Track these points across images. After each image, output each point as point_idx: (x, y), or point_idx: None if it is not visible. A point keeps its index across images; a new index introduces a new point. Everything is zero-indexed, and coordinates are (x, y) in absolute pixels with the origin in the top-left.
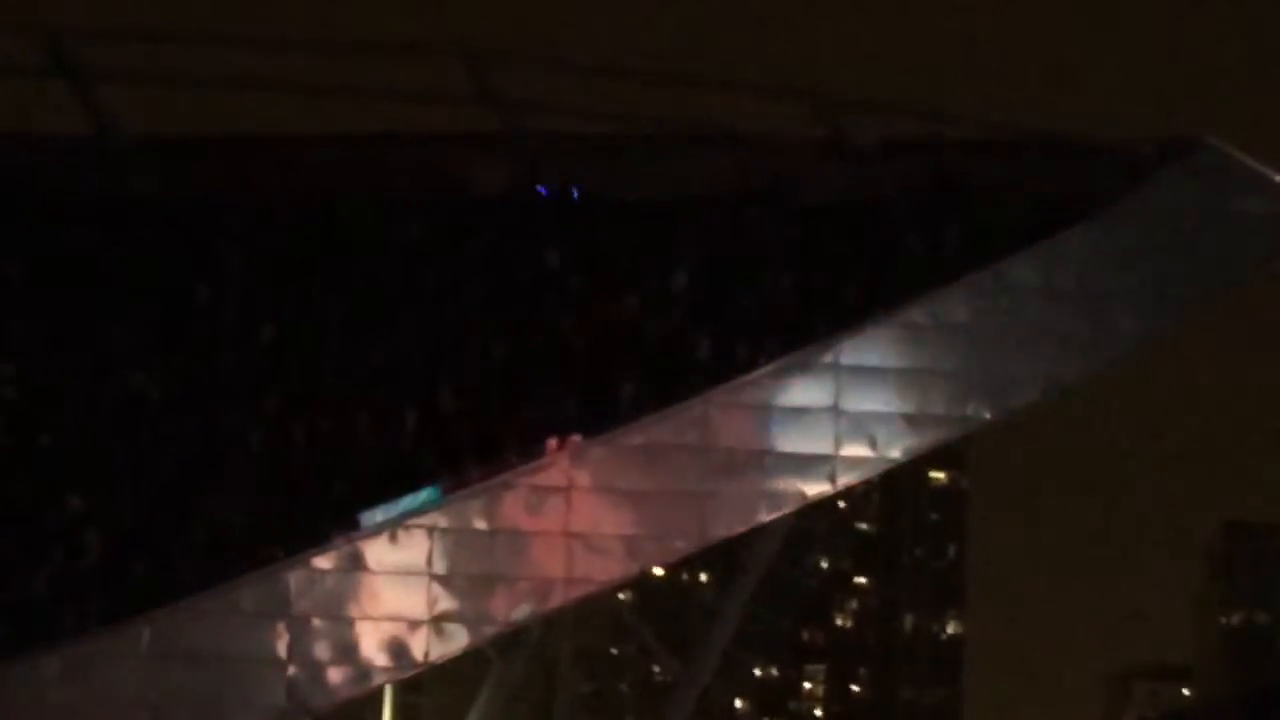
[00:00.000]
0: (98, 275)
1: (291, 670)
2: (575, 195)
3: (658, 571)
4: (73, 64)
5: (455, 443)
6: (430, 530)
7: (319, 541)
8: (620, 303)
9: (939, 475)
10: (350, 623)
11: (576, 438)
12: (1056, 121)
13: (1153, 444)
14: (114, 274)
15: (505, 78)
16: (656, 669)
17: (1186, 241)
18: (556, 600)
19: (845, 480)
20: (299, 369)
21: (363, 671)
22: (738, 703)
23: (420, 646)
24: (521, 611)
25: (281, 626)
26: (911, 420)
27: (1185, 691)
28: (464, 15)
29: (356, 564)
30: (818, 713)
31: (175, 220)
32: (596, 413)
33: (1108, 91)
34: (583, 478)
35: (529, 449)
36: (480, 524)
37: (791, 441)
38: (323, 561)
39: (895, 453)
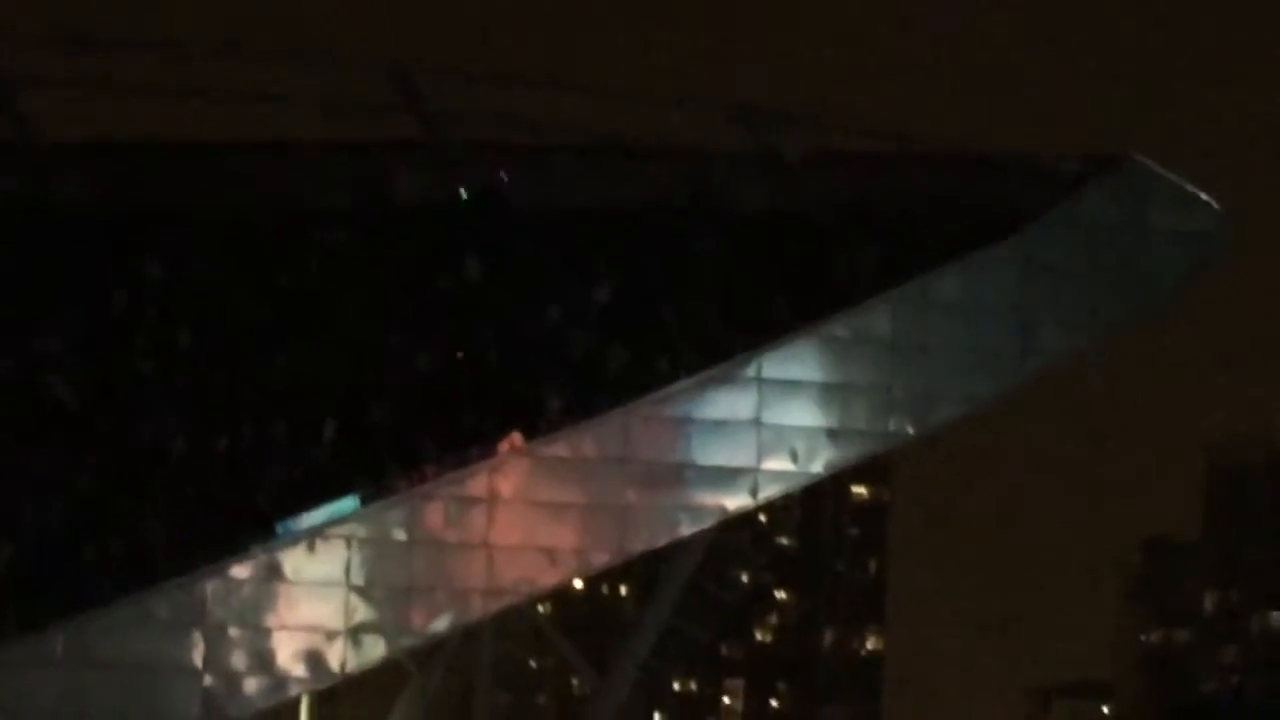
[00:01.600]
0: (13, 281)
1: (207, 680)
2: (497, 205)
3: (578, 584)
4: None
5: (375, 452)
6: (349, 540)
7: (236, 550)
8: (542, 313)
9: (861, 490)
10: (267, 632)
11: (516, 436)
12: (982, 137)
13: (1074, 461)
14: (30, 280)
15: (428, 86)
16: (575, 681)
17: (1111, 258)
18: (476, 612)
19: (766, 494)
20: (218, 377)
21: (279, 681)
22: (656, 716)
23: (337, 657)
24: (440, 623)
25: (197, 635)
26: (834, 434)
27: (1105, 709)
28: (389, 25)
29: (274, 573)
30: None
31: (93, 227)
32: (517, 424)
33: (1033, 107)
34: (504, 488)
35: (450, 459)
36: (400, 534)
37: (713, 454)
38: (239, 570)
39: (817, 467)
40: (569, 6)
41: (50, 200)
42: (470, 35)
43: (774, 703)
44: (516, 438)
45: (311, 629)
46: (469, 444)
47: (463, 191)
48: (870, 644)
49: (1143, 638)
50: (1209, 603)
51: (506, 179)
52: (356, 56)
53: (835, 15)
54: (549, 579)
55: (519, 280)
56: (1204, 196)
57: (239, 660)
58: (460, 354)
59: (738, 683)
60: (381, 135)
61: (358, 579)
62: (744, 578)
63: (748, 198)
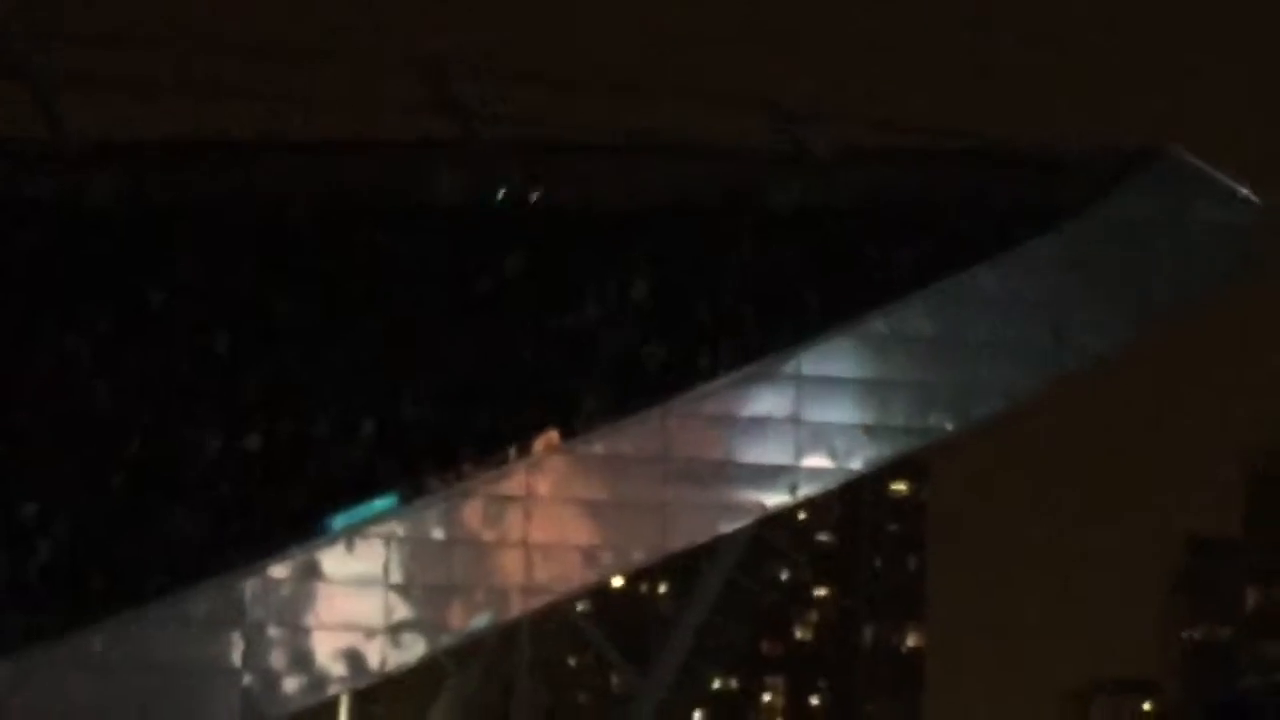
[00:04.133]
0: (53, 280)
1: (246, 679)
2: (534, 204)
3: (616, 581)
4: (27, 67)
5: (413, 451)
6: (387, 539)
7: (274, 549)
8: (579, 312)
9: (900, 486)
10: (306, 631)
11: (553, 434)
12: (1019, 132)
13: (1116, 457)
14: (70, 279)
15: (462, 86)
16: (615, 680)
17: (1149, 252)
18: (514, 610)
19: (805, 491)
20: (257, 376)
21: (318, 680)
22: (696, 715)
23: (376, 656)
24: (479, 621)
25: (236, 635)
26: (872, 431)
27: (1146, 705)
28: (427, 23)
29: (312, 572)
30: None
31: (128, 226)
32: (554, 422)
33: (1070, 101)
34: (542, 487)
35: (487, 458)
36: (438, 533)
37: (751, 452)
38: (278, 570)
39: (856, 464)
40: (599, 5)
41: (86, 199)
42: (503, 35)
43: (814, 700)
44: (554, 436)
45: (350, 628)
46: (506, 442)
47: (499, 191)
48: (910, 640)
49: (1185, 634)
50: (1251, 599)
51: (541, 180)
52: (392, 56)
53: (864, 13)
54: (587, 577)
55: (555, 279)
56: (1243, 190)
57: (278, 659)
58: (498, 352)
59: (778, 680)
60: (417, 134)
61: (396, 577)
62: (783, 575)
63: (782, 195)
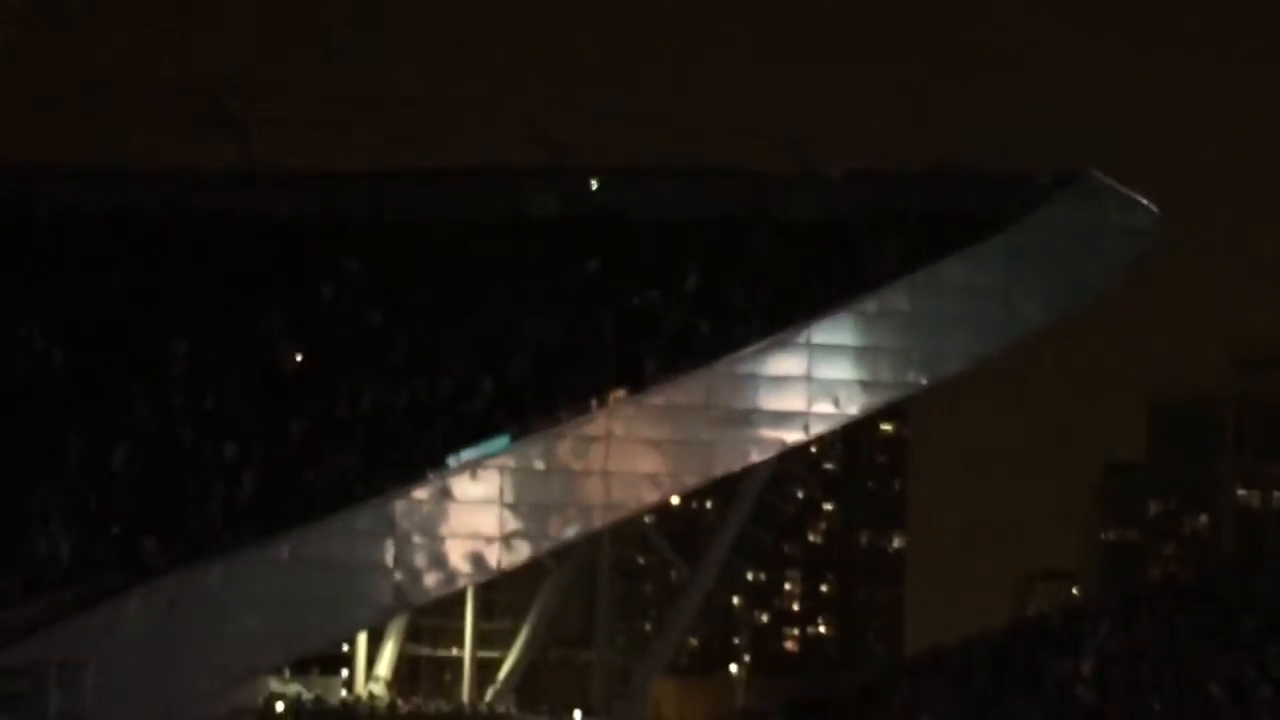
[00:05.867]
0: (248, 278)
1: (397, 575)
2: (609, 216)
3: (674, 500)
4: (229, 116)
5: (520, 403)
6: (501, 469)
7: (417, 477)
8: (644, 297)
9: (887, 426)
10: (441, 539)
11: (620, 392)
12: (977, 156)
13: (1052, 404)
14: (259, 277)
15: (553, 122)
16: (673, 574)
17: (1074, 249)
18: (597, 522)
19: (815, 431)
20: (403, 348)
21: (451, 576)
22: (734, 599)
23: (494, 557)
24: (571, 530)
25: (389, 542)
26: (866, 385)
27: (1074, 590)
28: (522, 74)
29: (445, 494)
30: (795, 607)
31: (305, 235)
32: (626, 380)
33: (1015, 132)
34: (617, 429)
35: (576, 407)
36: (539, 464)
37: (774, 401)
38: (420, 492)
39: (854, 409)
40: (652, 55)
41: (272, 216)
42: (583, 81)
43: (824, 588)
44: (625, 390)
45: (474, 536)
46: (590, 396)
47: (582, 206)
48: (895, 543)
49: (1103, 536)
50: (1152, 510)
51: (616, 198)
52: (498, 100)
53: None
54: (651, 497)
55: (626, 273)
56: (1145, 201)
57: (421, 560)
58: (583, 328)
59: (796, 573)
60: (519, 163)
61: (509, 498)
62: (799, 494)
63: (799, 208)
